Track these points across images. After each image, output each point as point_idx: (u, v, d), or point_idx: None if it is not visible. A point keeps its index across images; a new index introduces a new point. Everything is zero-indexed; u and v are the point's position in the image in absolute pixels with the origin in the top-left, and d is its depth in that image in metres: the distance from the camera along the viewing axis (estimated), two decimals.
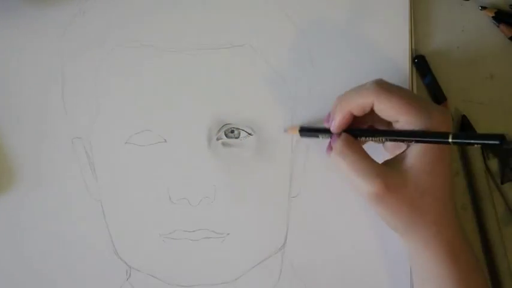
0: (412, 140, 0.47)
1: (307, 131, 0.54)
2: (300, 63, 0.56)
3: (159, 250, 0.56)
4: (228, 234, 0.56)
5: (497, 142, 0.42)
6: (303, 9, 0.56)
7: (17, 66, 0.56)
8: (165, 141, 0.55)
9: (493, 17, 0.57)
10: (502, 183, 0.58)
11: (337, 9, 0.56)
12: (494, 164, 0.58)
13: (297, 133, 0.54)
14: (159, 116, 0.55)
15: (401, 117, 0.47)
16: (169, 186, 0.55)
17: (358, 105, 0.48)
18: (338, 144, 0.49)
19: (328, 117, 0.51)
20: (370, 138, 0.50)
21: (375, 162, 0.48)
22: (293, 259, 0.56)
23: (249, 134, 0.55)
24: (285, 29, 0.56)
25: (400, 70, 0.56)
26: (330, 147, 0.51)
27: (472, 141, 0.44)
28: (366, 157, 0.48)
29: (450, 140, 0.45)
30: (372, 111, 0.49)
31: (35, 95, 0.56)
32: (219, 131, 0.55)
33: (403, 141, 0.48)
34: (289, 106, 0.56)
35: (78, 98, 0.56)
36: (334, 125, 0.50)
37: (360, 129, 0.51)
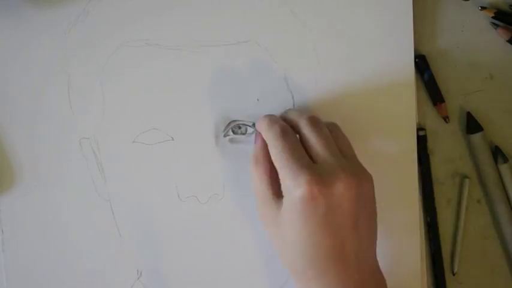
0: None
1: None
2: (305, 60, 0.56)
3: (169, 248, 0.56)
4: (238, 230, 0.56)
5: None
6: (307, 6, 0.56)
7: (22, 67, 0.55)
8: (172, 139, 0.55)
9: (492, 17, 0.58)
10: None
11: (342, 7, 0.56)
12: (505, 168, 0.59)
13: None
14: (166, 114, 0.55)
15: None
16: (178, 184, 0.55)
17: None
18: (257, 148, 0.51)
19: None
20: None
21: (274, 185, 0.49)
22: None
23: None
24: (291, 25, 0.56)
25: (404, 68, 0.57)
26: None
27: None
28: (268, 177, 0.50)
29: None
30: None
31: (41, 96, 0.55)
32: (226, 127, 0.55)
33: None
34: (295, 102, 0.56)
35: (84, 98, 0.55)
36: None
37: None
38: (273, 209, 0.48)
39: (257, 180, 0.50)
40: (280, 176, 0.47)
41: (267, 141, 0.49)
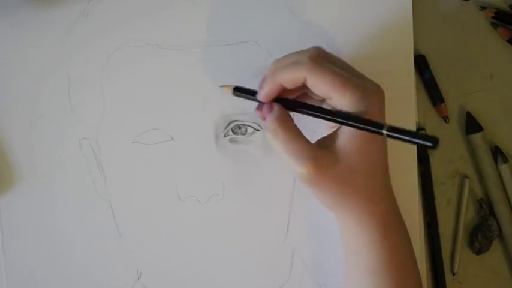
0: (345, 124, 0.45)
1: (241, 91, 0.51)
2: None
3: (169, 249, 0.56)
4: (238, 230, 0.56)
5: (430, 144, 0.40)
6: (307, 6, 0.56)
7: (22, 67, 0.56)
8: (172, 139, 0.55)
9: (492, 17, 0.58)
10: None
11: (342, 7, 0.56)
12: (505, 168, 0.59)
13: (230, 92, 0.52)
14: (166, 115, 0.55)
15: (334, 94, 0.45)
16: (178, 184, 0.55)
17: (290, 78, 0.46)
18: (271, 120, 0.47)
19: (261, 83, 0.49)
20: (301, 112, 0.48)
21: (307, 142, 0.47)
22: (304, 255, 0.56)
23: (256, 129, 0.55)
24: (290, 25, 0.56)
25: (404, 68, 0.57)
26: (259, 108, 0.49)
27: (406, 137, 0.42)
28: (298, 136, 0.47)
29: (384, 132, 0.42)
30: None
31: (41, 96, 0.56)
32: (226, 127, 0.55)
33: (335, 121, 0.46)
34: None
35: (84, 98, 0.56)
36: (262, 94, 0.48)
37: (292, 100, 0.49)
38: (322, 154, 0.46)
39: (288, 138, 0.46)
40: (339, 97, 0.45)
41: (316, 68, 0.45)
